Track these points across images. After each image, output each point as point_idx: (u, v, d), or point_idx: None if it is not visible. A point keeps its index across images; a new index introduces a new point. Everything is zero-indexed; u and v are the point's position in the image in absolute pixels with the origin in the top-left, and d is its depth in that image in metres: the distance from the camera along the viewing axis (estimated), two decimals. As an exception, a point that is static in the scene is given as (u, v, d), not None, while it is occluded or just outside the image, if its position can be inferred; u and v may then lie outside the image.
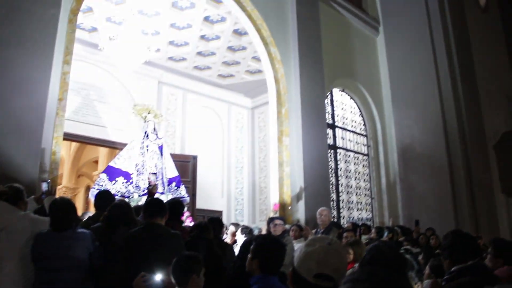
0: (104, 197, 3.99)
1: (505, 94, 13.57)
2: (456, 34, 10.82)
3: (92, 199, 6.74)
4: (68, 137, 8.40)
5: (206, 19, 9.30)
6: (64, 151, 13.83)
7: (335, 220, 8.94)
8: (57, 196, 4.60)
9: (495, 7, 14.87)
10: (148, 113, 7.64)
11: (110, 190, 6.12)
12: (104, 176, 6.86)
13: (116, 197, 5.63)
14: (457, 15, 11.22)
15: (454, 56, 10.57)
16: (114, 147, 10.16)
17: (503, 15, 15.36)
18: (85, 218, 4.79)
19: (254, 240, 2.48)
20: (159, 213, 3.38)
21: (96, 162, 14.21)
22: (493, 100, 12.21)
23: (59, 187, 12.27)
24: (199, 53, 10.62)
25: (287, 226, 6.26)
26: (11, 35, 4.87)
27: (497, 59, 13.79)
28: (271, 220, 6.00)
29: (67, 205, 3.28)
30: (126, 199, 6.56)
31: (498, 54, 14.07)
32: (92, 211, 8.49)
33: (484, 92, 11.53)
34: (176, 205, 3.96)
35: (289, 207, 7.69)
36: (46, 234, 3.15)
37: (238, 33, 9.76)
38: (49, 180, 4.75)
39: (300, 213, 7.67)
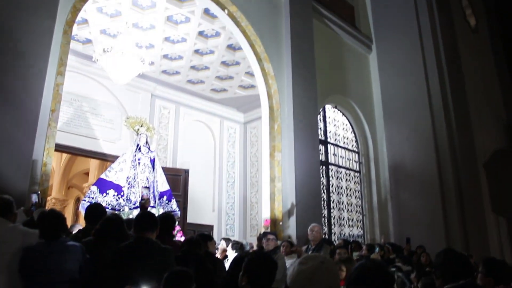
0: (95, 210, 3.95)
1: (495, 113, 13.73)
2: (447, 54, 10.97)
3: (82, 211, 6.70)
4: (60, 148, 8.34)
5: (201, 33, 9.35)
6: (55, 162, 13.73)
7: (326, 236, 8.92)
8: (46, 208, 4.55)
9: (484, 28, 15.13)
10: (141, 126, 7.63)
11: (101, 203, 6.09)
12: (95, 188, 6.81)
13: (107, 209, 5.58)
14: (448, 35, 11.38)
15: (445, 74, 10.70)
16: (106, 159, 10.10)
17: (492, 36, 15.63)
18: (75, 230, 4.74)
19: (245, 256, 2.47)
20: (150, 227, 3.34)
21: (87, 174, 14.12)
22: (483, 119, 12.34)
23: (48, 198, 12.17)
24: (193, 67, 10.65)
25: (279, 242, 6.24)
26: (5, 45, 4.85)
27: (487, 78, 13.98)
28: (264, 235, 5.98)
29: (56, 216, 3.25)
30: (117, 212, 6.52)
31: (488, 73, 14.27)
32: (81, 223, 8.43)
33: (475, 110, 11.65)
34: (167, 219, 3.93)
35: (280, 223, 7.66)
36: (36, 248, 3.10)
37: (232, 48, 9.82)
38: (38, 192, 4.72)
39: (291, 229, 7.65)
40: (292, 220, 7.68)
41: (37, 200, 4.30)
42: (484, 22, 15.19)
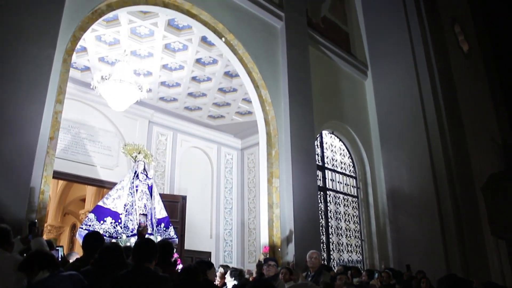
0: (93, 239, 3.91)
1: (490, 136, 13.83)
2: (441, 79, 11.10)
3: (79, 239, 6.64)
4: (57, 175, 8.33)
5: (198, 61, 9.46)
6: (51, 189, 13.64)
7: (325, 262, 8.85)
8: (44, 237, 4.53)
9: (477, 54, 15.36)
10: (138, 153, 7.64)
11: (98, 231, 6.05)
12: (92, 216, 6.77)
13: (105, 237, 5.54)
14: (442, 60, 11.54)
15: (440, 99, 10.81)
16: (103, 186, 10.08)
17: (485, 61, 15.87)
18: (72, 259, 4.70)
19: (246, 285, 2.46)
20: (149, 256, 3.32)
21: (83, 200, 14.04)
22: (479, 143, 12.41)
23: (44, 225, 12.06)
24: (190, 94, 10.74)
25: (279, 269, 6.19)
26: (5, 74, 4.90)
27: (481, 102, 14.13)
28: (265, 261, 5.94)
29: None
30: (114, 240, 6.47)
31: (482, 98, 14.43)
32: (77, 251, 8.35)
33: (471, 134, 11.73)
34: (165, 247, 3.90)
35: (279, 249, 7.61)
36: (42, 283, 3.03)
37: (229, 75, 9.92)
38: (36, 220, 4.69)
39: (290, 255, 7.59)
40: (291, 246, 7.62)
41: (36, 229, 4.29)
42: (476, 48, 15.44)
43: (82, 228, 6.68)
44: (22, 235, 4.39)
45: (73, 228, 16.05)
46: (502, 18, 18.06)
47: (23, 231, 4.58)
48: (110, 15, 6.83)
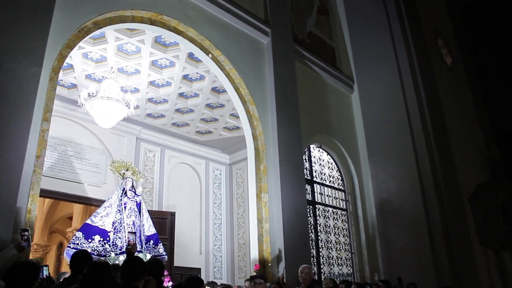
0: (81, 258, 3.87)
1: (476, 148, 14.01)
2: (426, 92, 11.25)
3: (67, 258, 6.56)
4: (44, 193, 8.23)
5: (185, 77, 9.49)
6: (37, 207, 13.48)
7: (316, 276, 8.82)
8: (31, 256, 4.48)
9: (460, 66, 15.64)
10: (126, 170, 7.61)
11: (86, 249, 5.99)
12: (80, 234, 6.70)
13: (93, 256, 5.48)
14: (426, 73, 11.71)
15: (426, 112, 10.94)
16: (90, 203, 9.99)
17: (468, 73, 16.16)
18: (62, 279, 4.65)
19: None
20: (137, 275, 3.29)
21: (70, 218, 13.88)
22: (465, 154, 12.57)
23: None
24: (178, 110, 10.74)
25: (268, 284, 6.16)
26: (-10, 93, 4.87)
27: (466, 114, 14.34)
28: (252, 279, 5.90)
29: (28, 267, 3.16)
30: (103, 258, 6.39)
31: (466, 109, 14.65)
32: (65, 270, 8.23)
33: (456, 146, 11.87)
34: (155, 265, 3.87)
35: (269, 264, 7.57)
36: None
37: (216, 90, 9.96)
38: (28, 228, 4.66)
39: (280, 269, 7.55)
40: (281, 263, 7.59)
41: (29, 236, 4.29)
42: (459, 61, 15.71)
43: (70, 247, 6.61)
44: (16, 242, 4.38)
45: (60, 246, 15.83)
46: (483, 32, 18.46)
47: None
48: (97, 32, 6.84)
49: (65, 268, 12.30)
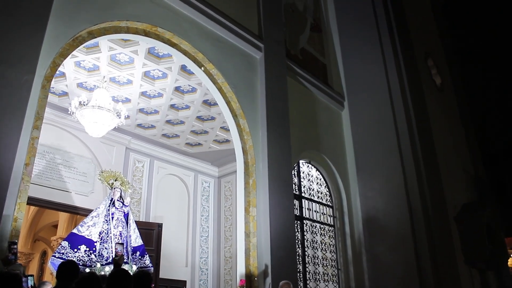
0: (68, 268, 3.85)
1: (463, 167, 14.16)
2: (416, 110, 11.37)
3: (51, 268, 6.50)
4: (30, 201, 8.15)
5: (177, 89, 9.53)
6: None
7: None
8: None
9: (450, 87, 15.87)
10: (115, 180, 7.59)
11: (73, 259, 5.94)
12: (66, 243, 6.66)
13: (79, 266, 5.44)
14: (416, 92, 11.85)
15: (414, 130, 11.05)
16: (77, 212, 9.92)
17: (457, 93, 16.40)
18: (45, 289, 4.61)
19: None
20: (123, 287, 3.28)
21: (55, 226, 13.73)
22: (452, 173, 12.69)
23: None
24: (168, 121, 10.76)
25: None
26: (-19, 99, 4.85)
27: (454, 134, 14.52)
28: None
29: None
30: (88, 269, 6.34)
31: (455, 129, 14.84)
32: (46, 279, 8.13)
33: (444, 165, 11.99)
34: (143, 277, 3.86)
35: (256, 278, 7.55)
36: None
37: (207, 103, 10.01)
38: (16, 241, 4.62)
39: (266, 285, 7.53)
40: (268, 278, 7.57)
41: (17, 249, 4.25)
42: (449, 82, 15.95)
43: (55, 256, 6.55)
44: (2, 256, 4.34)
45: (44, 255, 15.63)
46: (473, 52, 18.79)
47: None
48: (91, 42, 6.86)
49: (48, 277, 12.15)
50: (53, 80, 8.01)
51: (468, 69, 18.64)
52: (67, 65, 8.54)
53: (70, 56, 6.95)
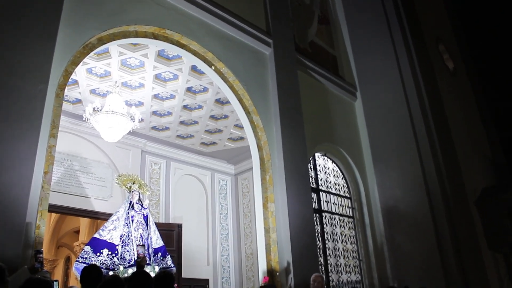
0: (91, 272, 3.91)
1: (480, 151, 13.98)
2: (429, 96, 11.26)
3: (76, 273, 6.60)
4: (51, 208, 8.26)
5: (189, 89, 9.56)
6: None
7: (325, 286, 8.79)
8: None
9: (462, 71, 15.66)
10: (133, 183, 7.66)
11: (96, 263, 6.02)
12: (88, 248, 6.75)
13: (102, 269, 5.51)
14: (428, 78, 11.74)
15: (429, 116, 10.94)
16: (97, 217, 10.04)
17: (471, 77, 16.16)
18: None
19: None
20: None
21: (77, 232, 13.93)
22: (469, 158, 12.54)
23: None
24: (182, 122, 10.81)
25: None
26: (-2, 111, 4.93)
27: (470, 118, 14.34)
28: (262, 289, 5.92)
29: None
30: (111, 272, 6.43)
31: (470, 113, 14.65)
32: (73, 284, 8.25)
33: (461, 150, 11.86)
34: (166, 278, 3.90)
35: (277, 273, 7.57)
36: None
37: (220, 102, 10.03)
38: (42, 249, 4.71)
39: (289, 279, 7.54)
40: (289, 272, 7.57)
41: (42, 258, 4.34)
42: (461, 66, 15.73)
43: (78, 261, 6.65)
44: (29, 265, 4.42)
45: (68, 260, 15.87)
46: (485, 35, 18.49)
47: (20, 267, 4.56)
48: (101, 48, 6.92)
49: (73, 282, 12.34)
50: (66, 88, 8.13)
51: (481, 51, 18.35)
52: (79, 73, 8.63)
53: (81, 63, 7.03)
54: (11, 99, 5.08)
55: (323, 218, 9.89)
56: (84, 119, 8.53)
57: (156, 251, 7.36)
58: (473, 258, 10.10)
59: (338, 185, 10.85)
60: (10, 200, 4.78)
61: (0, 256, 4.30)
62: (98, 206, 9.81)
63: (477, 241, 10.78)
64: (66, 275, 15.51)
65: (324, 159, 10.74)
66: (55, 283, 4.93)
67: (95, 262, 6.40)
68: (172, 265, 7.58)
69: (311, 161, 10.10)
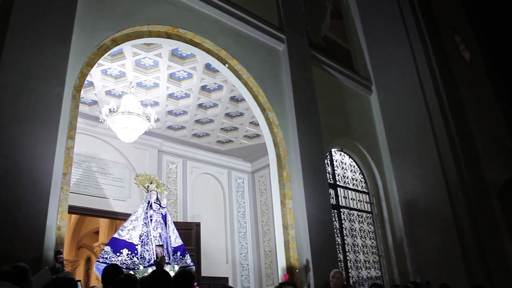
0: (112, 272, 3.93)
1: (500, 143, 13.73)
2: (446, 88, 11.10)
3: (97, 273, 6.66)
4: (71, 209, 8.30)
5: (204, 88, 9.57)
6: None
7: (345, 282, 8.74)
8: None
9: (479, 61, 15.37)
10: (151, 183, 7.70)
11: (116, 263, 6.06)
12: (108, 248, 6.80)
13: (122, 269, 5.54)
14: (444, 69, 11.57)
15: (446, 108, 10.79)
16: (116, 217, 10.12)
17: (488, 68, 15.86)
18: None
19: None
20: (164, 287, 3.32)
21: (97, 233, 14.07)
22: (489, 150, 12.31)
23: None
24: (198, 121, 10.83)
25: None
26: (17, 114, 4.98)
27: (488, 109, 14.07)
28: (281, 286, 5.90)
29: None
30: (131, 271, 6.46)
31: (488, 104, 14.38)
32: (93, 284, 8.33)
33: (480, 142, 11.66)
34: (186, 276, 3.89)
35: (297, 270, 7.54)
36: None
37: (235, 100, 10.01)
38: (61, 250, 4.76)
39: (308, 278, 7.50)
40: (309, 269, 7.53)
41: (62, 259, 4.39)
42: (478, 56, 15.46)
43: (99, 261, 6.71)
44: (50, 265, 4.47)
45: (88, 261, 16.04)
46: (501, 24, 18.15)
47: (41, 268, 4.61)
48: (115, 49, 6.95)
49: (94, 283, 12.46)
50: (82, 90, 8.20)
51: (498, 41, 18.02)
52: (94, 74, 8.70)
53: (96, 65, 7.06)
54: (28, 102, 5.13)
55: (341, 213, 9.83)
56: (100, 120, 8.59)
57: (175, 250, 7.38)
58: (495, 251, 9.94)
59: (356, 180, 10.77)
60: (31, 202, 4.83)
61: (22, 257, 4.35)
62: (116, 207, 9.89)
63: (500, 234, 10.59)
64: (87, 275, 15.68)
65: (340, 154, 10.67)
66: (78, 283, 4.98)
67: (115, 262, 6.44)
68: (191, 263, 7.60)
69: (328, 157, 10.04)
